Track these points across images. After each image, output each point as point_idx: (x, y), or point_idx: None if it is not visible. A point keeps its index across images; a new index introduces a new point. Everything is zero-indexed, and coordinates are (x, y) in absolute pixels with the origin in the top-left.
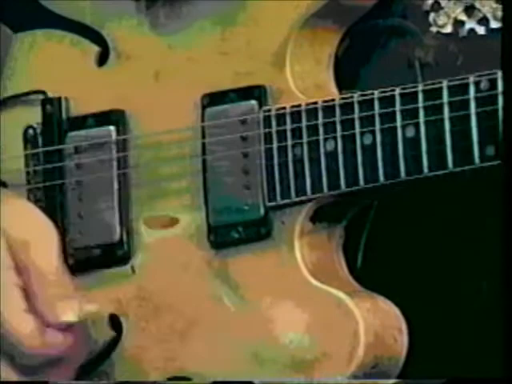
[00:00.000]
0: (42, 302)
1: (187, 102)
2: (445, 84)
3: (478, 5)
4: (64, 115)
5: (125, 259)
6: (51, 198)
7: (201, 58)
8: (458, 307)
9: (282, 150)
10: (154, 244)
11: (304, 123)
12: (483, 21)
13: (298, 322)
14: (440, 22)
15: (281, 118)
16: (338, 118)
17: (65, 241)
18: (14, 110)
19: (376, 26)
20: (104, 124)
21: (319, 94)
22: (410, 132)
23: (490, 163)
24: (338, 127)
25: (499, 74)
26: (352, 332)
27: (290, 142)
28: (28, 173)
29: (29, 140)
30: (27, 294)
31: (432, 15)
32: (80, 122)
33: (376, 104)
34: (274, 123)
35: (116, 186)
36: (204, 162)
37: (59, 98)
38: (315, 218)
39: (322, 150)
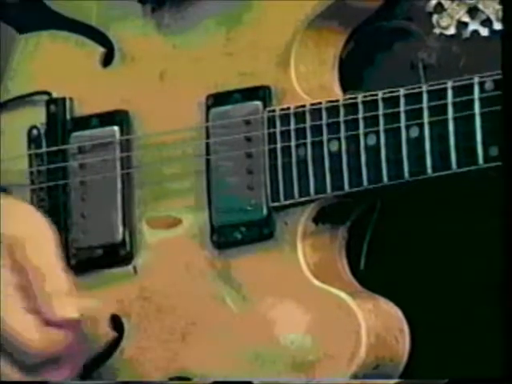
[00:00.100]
0: (41, 299)
1: (192, 103)
2: (449, 84)
3: (481, 6)
4: (68, 115)
5: (127, 259)
6: (55, 198)
7: (205, 58)
8: (459, 308)
9: (286, 151)
10: (156, 244)
11: (308, 124)
12: (486, 22)
13: (300, 323)
14: (443, 24)
15: (285, 119)
16: (342, 119)
17: (67, 241)
18: (18, 110)
19: (380, 27)
20: (108, 124)
21: (323, 94)
22: (414, 132)
23: (493, 164)
24: (342, 128)
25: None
26: (354, 333)
27: (293, 143)
28: (32, 173)
29: (33, 140)
30: (26, 292)
31: (435, 17)
32: (84, 123)
33: (380, 104)
34: (278, 123)
35: (119, 186)
36: (208, 162)
37: (63, 99)
38: (318, 218)
39: (325, 151)
